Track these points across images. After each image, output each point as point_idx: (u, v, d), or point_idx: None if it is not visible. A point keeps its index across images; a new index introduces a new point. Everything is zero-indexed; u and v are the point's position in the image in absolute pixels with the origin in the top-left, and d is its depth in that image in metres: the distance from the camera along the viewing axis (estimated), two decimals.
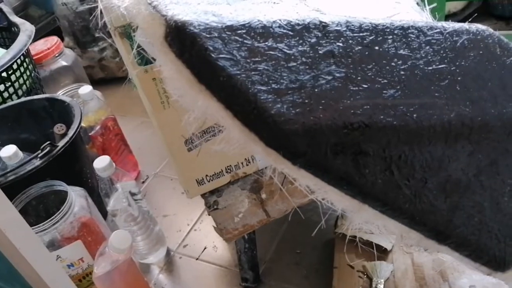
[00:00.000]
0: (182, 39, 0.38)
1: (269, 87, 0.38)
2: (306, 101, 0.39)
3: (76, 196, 0.86)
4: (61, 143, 0.90)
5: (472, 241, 0.44)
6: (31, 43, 1.11)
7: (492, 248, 0.44)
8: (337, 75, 0.40)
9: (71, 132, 0.92)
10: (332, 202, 0.42)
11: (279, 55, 0.39)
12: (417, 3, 0.52)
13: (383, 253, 0.87)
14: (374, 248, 0.84)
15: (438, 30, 0.43)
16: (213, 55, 0.38)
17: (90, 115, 1.10)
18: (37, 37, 1.31)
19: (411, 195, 0.41)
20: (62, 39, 1.43)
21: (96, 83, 1.44)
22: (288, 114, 0.38)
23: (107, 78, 1.51)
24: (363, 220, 0.42)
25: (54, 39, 1.28)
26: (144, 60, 0.64)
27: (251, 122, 0.38)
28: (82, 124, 1.09)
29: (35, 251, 0.52)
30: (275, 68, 0.39)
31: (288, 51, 0.39)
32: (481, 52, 0.44)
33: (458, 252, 0.44)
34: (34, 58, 1.21)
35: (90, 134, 1.11)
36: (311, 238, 0.89)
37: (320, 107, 0.39)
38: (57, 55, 1.26)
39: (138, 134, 1.32)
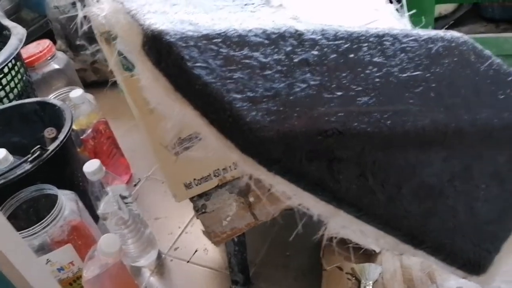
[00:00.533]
0: (159, 48, 0.39)
1: (244, 95, 0.39)
2: (281, 108, 0.39)
3: (67, 200, 0.86)
4: (51, 147, 0.90)
5: (446, 246, 0.44)
6: (22, 46, 1.11)
7: (466, 252, 0.45)
8: (312, 83, 0.40)
9: (61, 136, 0.93)
10: (308, 208, 0.42)
11: (255, 63, 0.40)
12: (397, 9, 0.53)
13: (371, 255, 0.88)
14: (363, 250, 0.84)
15: (413, 37, 0.44)
16: (189, 63, 0.38)
17: (81, 119, 1.11)
18: (30, 40, 1.31)
19: (386, 201, 0.42)
20: (55, 42, 1.44)
21: (88, 86, 1.44)
22: (263, 122, 0.39)
23: (100, 81, 1.51)
24: (339, 225, 0.43)
25: (46, 42, 1.28)
26: (131, 65, 0.64)
27: (226, 129, 0.39)
28: (74, 128, 1.10)
29: (21, 255, 0.52)
30: (250, 77, 0.39)
31: (263, 60, 0.40)
32: (455, 59, 0.45)
33: (433, 257, 0.45)
34: (26, 61, 1.22)
35: (81, 137, 1.12)
36: (301, 240, 0.89)
37: (295, 114, 0.39)
38: (49, 58, 1.26)
39: (130, 137, 1.32)
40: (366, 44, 0.43)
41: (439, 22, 1.37)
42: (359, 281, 0.86)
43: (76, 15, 0.47)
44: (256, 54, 0.40)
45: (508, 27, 1.35)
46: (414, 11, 0.52)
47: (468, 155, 0.44)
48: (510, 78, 0.46)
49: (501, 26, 1.36)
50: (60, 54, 1.32)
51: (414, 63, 0.43)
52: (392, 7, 0.53)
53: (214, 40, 0.40)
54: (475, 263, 0.46)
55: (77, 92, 1.07)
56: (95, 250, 0.81)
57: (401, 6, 0.52)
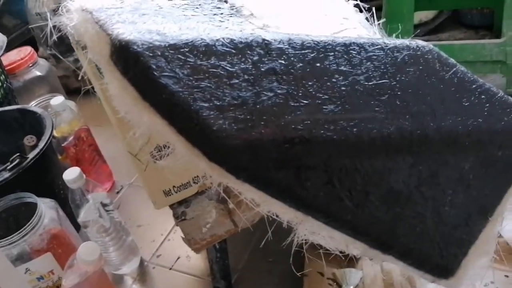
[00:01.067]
0: (126, 58, 0.39)
1: (211, 104, 0.39)
2: (248, 117, 0.40)
3: (47, 208, 0.86)
4: (31, 155, 0.90)
5: (414, 250, 0.45)
6: (3, 54, 1.11)
7: (434, 256, 0.46)
8: (279, 91, 0.41)
9: (41, 144, 0.92)
10: (277, 215, 0.43)
11: (222, 72, 0.40)
12: (367, 18, 0.53)
13: (352, 260, 0.89)
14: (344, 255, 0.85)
15: (379, 46, 0.45)
16: (155, 73, 0.39)
17: (63, 126, 1.11)
18: (12, 46, 1.31)
19: (353, 207, 0.43)
20: (37, 49, 1.43)
21: (72, 93, 1.44)
22: (230, 130, 0.39)
23: (83, 88, 1.50)
24: (309, 232, 0.44)
25: (27, 49, 1.28)
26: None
27: (194, 138, 0.39)
28: (55, 135, 1.10)
29: None
30: (218, 85, 0.40)
31: (230, 69, 0.41)
32: (421, 67, 0.46)
33: (402, 261, 0.46)
34: (7, 68, 1.21)
35: (63, 145, 1.11)
36: (284, 246, 0.90)
37: (262, 122, 0.40)
38: (30, 65, 1.26)
39: (113, 144, 1.31)
40: (332, 53, 0.43)
41: (420, 28, 1.39)
42: (340, 286, 0.86)
43: (58, 22, 0.47)
44: (223, 63, 0.41)
45: (486, 33, 1.37)
46: (383, 20, 0.53)
47: (435, 162, 0.45)
48: (474, 86, 0.47)
49: (480, 32, 1.38)
50: (42, 61, 1.31)
51: (380, 71, 0.44)
52: (362, 16, 0.53)
53: (182, 50, 0.40)
54: (442, 267, 0.46)
55: (58, 100, 1.07)
56: (74, 258, 0.81)
57: (371, 15, 0.53)
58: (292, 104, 0.41)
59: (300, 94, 0.41)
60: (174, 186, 0.80)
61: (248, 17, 0.48)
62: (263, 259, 0.99)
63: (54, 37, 0.48)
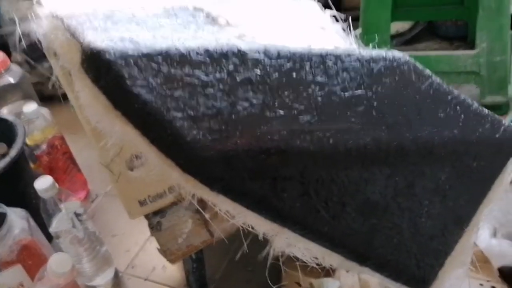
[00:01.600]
0: (98, 66, 0.38)
1: (185, 114, 0.38)
2: (223, 127, 0.39)
3: (17, 218, 0.83)
4: (1, 164, 0.87)
5: (391, 262, 0.45)
6: None
7: (411, 267, 0.46)
8: (255, 101, 0.40)
9: (13, 152, 0.90)
10: (252, 226, 0.42)
11: (196, 82, 0.39)
12: (343, 29, 0.53)
13: (329, 271, 0.88)
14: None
15: (355, 57, 0.45)
16: (128, 82, 0.38)
17: (36, 134, 1.08)
18: None
19: (330, 218, 0.42)
20: (10, 55, 1.40)
21: (46, 99, 1.41)
22: (204, 141, 0.38)
23: (58, 95, 1.47)
24: (285, 243, 0.43)
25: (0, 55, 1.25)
26: None
27: (167, 148, 0.39)
28: (28, 143, 1.07)
29: None
30: (192, 95, 0.39)
31: (205, 78, 0.40)
32: (397, 78, 0.46)
33: (379, 273, 0.45)
34: None
35: (36, 153, 1.09)
36: (263, 255, 0.89)
37: (237, 133, 0.39)
38: (2, 71, 1.23)
39: (88, 152, 1.29)
40: (308, 64, 0.43)
41: (396, 39, 1.40)
42: None
43: (28, 29, 0.46)
44: (197, 72, 0.40)
45: (461, 44, 1.39)
46: (359, 30, 0.53)
47: (411, 172, 0.45)
48: (449, 97, 0.48)
49: (455, 43, 1.41)
50: (15, 68, 1.28)
51: (356, 82, 0.44)
52: (339, 26, 0.53)
53: (155, 59, 0.39)
54: (419, 279, 0.46)
55: (31, 107, 1.05)
56: (45, 270, 0.78)
57: (348, 25, 0.53)
58: (268, 114, 0.40)
59: (276, 104, 0.41)
60: (149, 196, 0.79)
61: (224, 26, 0.47)
62: (241, 269, 0.98)
63: (23, 43, 0.46)
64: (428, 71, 0.47)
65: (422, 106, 0.46)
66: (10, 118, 0.98)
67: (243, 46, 0.42)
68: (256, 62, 0.42)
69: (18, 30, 0.44)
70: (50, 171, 1.09)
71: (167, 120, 0.38)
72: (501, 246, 0.85)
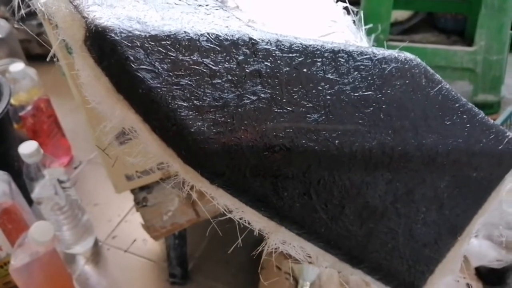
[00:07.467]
0: (102, 46, 0.36)
1: (190, 103, 0.37)
2: (228, 120, 0.38)
3: None
4: None
5: (384, 266, 0.45)
6: None
7: (402, 272, 0.46)
8: (262, 95, 0.39)
9: None
10: (249, 222, 0.41)
11: (204, 70, 0.38)
12: (354, 21, 0.52)
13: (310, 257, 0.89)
14: None
15: (367, 56, 0.43)
16: (133, 65, 0.36)
17: (21, 94, 1.05)
18: None
19: (328, 220, 0.42)
20: None
21: (32, 58, 1.36)
22: (208, 133, 0.37)
23: (45, 55, 1.42)
24: (280, 241, 0.42)
25: None
26: None
27: (169, 138, 0.37)
28: (12, 103, 1.04)
29: None
30: (199, 84, 0.37)
31: (213, 67, 0.38)
32: (407, 81, 0.44)
33: (370, 276, 0.45)
34: None
35: (20, 114, 1.06)
36: (243, 236, 0.89)
37: (242, 127, 0.38)
38: None
39: (74, 116, 1.26)
40: (320, 60, 0.41)
41: (395, 27, 1.39)
42: (296, 281, 0.86)
43: None
44: (206, 60, 0.38)
45: (458, 39, 1.39)
46: (370, 25, 0.52)
47: (412, 179, 0.45)
48: (457, 105, 0.47)
49: (452, 37, 1.40)
50: (2, 22, 1.23)
51: (366, 82, 0.43)
52: (349, 19, 0.52)
53: (163, 42, 0.37)
54: (409, 284, 0.46)
55: (18, 66, 1.01)
56: (25, 237, 0.77)
57: (359, 19, 0.51)
58: (275, 110, 0.39)
59: (284, 100, 0.39)
60: (137, 171, 0.78)
61: (233, 9, 0.45)
62: (221, 249, 0.98)
63: (22, 12, 0.44)
64: (438, 76, 0.46)
65: (429, 112, 0.45)
66: None
67: (255, 35, 0.40)
68: (267, 54, 0.40)
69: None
70: (34, 134, 1.07)
71: (172, 108, 0.36)
72: (481, 246, 0.86)
